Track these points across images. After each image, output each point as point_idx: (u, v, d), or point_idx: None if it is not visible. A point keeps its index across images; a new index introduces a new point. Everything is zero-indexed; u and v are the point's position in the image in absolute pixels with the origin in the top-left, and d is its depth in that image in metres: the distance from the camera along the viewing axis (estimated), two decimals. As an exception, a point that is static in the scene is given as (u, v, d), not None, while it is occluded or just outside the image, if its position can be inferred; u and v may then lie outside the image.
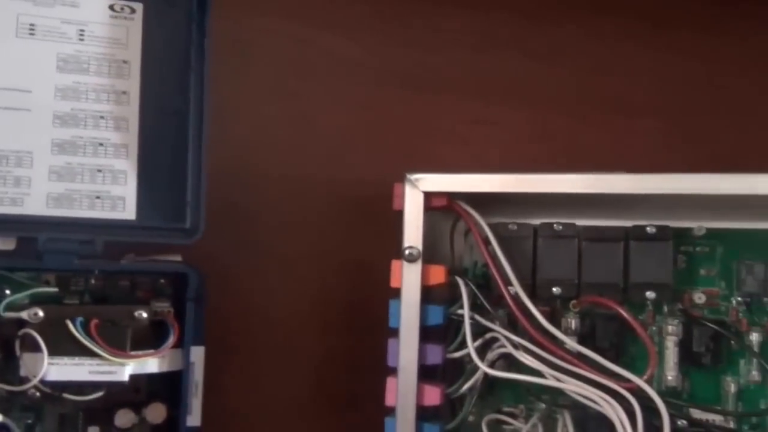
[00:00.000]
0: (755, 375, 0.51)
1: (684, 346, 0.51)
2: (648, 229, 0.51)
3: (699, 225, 0.52)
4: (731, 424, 0.51)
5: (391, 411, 0.50)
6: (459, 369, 0.53)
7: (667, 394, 0.51)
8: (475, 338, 0.51)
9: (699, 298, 0.52)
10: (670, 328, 0.52)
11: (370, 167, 0.62)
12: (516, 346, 0.51)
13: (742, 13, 0.67)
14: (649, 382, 0.48)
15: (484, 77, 0.65)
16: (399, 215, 0.51)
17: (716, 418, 0.51)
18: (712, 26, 0.67)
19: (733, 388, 0.51)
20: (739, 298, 0.52)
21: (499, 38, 0.66)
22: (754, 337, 0.51)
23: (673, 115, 0.65)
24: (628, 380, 0.48)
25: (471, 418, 0.54)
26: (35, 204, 0.53)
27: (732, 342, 0.51)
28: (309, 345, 0.62)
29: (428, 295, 0.51)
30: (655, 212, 0.52)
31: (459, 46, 0.66)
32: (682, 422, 0.50)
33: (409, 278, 0.51)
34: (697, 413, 0.51)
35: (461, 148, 0.64)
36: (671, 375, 0.51)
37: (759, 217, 0.51)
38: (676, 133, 0.65)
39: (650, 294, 0.51)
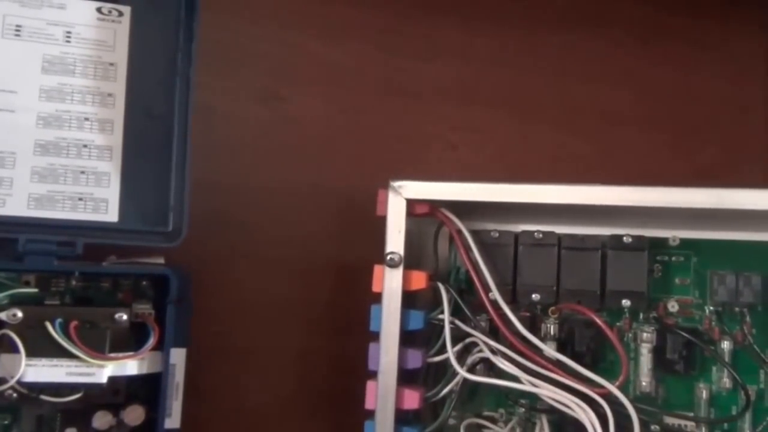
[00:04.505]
0: (726, 382, 0.52)
1: (658, 353, 0.53)
2: (625, 238, 0.52)
3: (674, 235, 0.54)
4: (703, 430, 0.52)
5: (370, 414, 0.51)
6: (443, 373, 0.54)
7: (641, 399, 0.52)
8: (456, 343, 0.52)
9: (673, 306, 0.53)
10: (644, 335, 0.53)
11: (357, 172, 0.63)
12: (494, 351, 0.52)
13: (727, 27, 0.69)
14: (621, 388, 0.49)
15: (471, 85, 0.67)
16: (383, 221, 0.52)
17: (688, 424, 0.52)
18: (698, 39, 0.69)
19: (705, 394, 0.52)
20: (712, 308, 0.53)
21: (487, 47, 0.67)
22: (726, 345, 0.52)
23: (657, 124, 0.67)
24: (602, 386, 0.49)
25: (451, 422, 0.54)
26: (16, 205, 0.53)
27: (704, 350, 0.52)
28: (293, 347, 0.62)
29: (409, 300, 0.52)
30: (632, 222, 0.53)
31: (447, 55, 0.67)
32: (655, 427, 0.51)
33: (390, 283, 0.51)
34: (670, 419, 0.52)
35: (448, 155, 0.65)
36: (645, 381, 0.52)
37: (731, 228, 0.53)
38: (660, 142, 0.67)
39: (626, 302, 0.52)
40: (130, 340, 0.52)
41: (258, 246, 0.63)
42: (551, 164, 0.65)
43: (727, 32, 0.69)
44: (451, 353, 0.51)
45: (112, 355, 0.51)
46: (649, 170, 0.65)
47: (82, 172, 0.54)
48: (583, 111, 0.67)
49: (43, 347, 0.50)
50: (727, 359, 0.52)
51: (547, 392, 0.50)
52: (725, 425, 0.52)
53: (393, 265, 0.51)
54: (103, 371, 0.50)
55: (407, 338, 0.51)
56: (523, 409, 0.54)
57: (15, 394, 0.50)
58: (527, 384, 0.50)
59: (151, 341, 0.52)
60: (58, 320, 0.50)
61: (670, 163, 0.66)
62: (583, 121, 0.67)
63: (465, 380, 0.52)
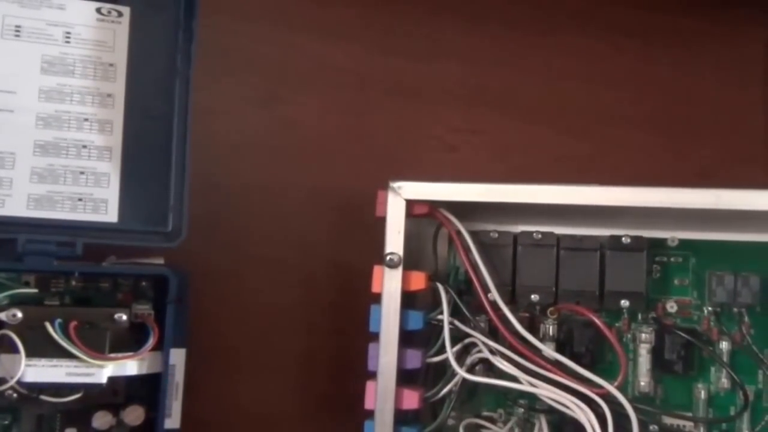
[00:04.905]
0: (725, 382, 0.52)
1: (657, 354, 0.53)
2: (623, 239, 0.52)
3: (672, 236, 0.54)
4: (701, 430, 0.52)
5: (370, 414, 0.51)
6: (442, 373, 0.54)
7: (639, 400, 0.52)
8: (455, 343, 0.52)
9: (671, 307, 0.53)
10: (643, 335, 0.53)
11: (357, 173, 0.63)
12: (493, 351, 0.52)
13: (727, 28, 0.69)
14: (620, 388, 0.49)
15: (471, 86, 0.67)
16: (382, 221, 0.52)
17: (687, 424, 0.52)
18: (698, 40, 0.69)
19: (703, 394, 0.53)
20: (710, 308, 0.53)
21: (487, 48, 0.67)
22: (724, 345, 0.53)
23: (657, 125, 0.67)
24: (601, 386, 0.49)
25: (450, 422, 0.54)
26: (16, 205, 0.53)
27: (703, 350, 0.53)
28: (292, 348, 0.63)
29: (409, 300, 0.52)
30: (631, 222, 0.53)
31: (447, 56, 0.67)
32: (653, 427, 0.52)
33: (389, 284, 0.51)
34: (668, 419, 0.52)
35: (447, 156, 0.65)
36: (644, 381, 0.53)
37: (730, 228, 0.53)
38: (659, 143, 0.67)
39: (624, 302, 0.52)
40: (129, 341, 0.52)
41: (257, 247, 0.63)
42: (551, 165, 0.65)
43: (726, 33, 0.69)
44: (450, 353, 0.52)
45: (112, 355, 0.51)
46: (648, 171, 0.65)
47: (82, 173, 0.54)
48: (583, 112, 0.67)
49: (43, 347, 0.50)
50: (725, 359, 0.52)
51: (546, 392, 0.50)
52: (723, 425, 0.53)
53: (392, 265, 0.51)
54: (103, 371, 0.50)
55: (406, 338, 0.51)
56: (522, 410, 0.54)
57: (15, 394, 0.50)
58: (526, 384, 0.50)
59: (151, 341, 0.52)
60: (58, 320, 0.50)
61: (669, 163, 0.66)
62: (583, 122, 0.67)
63: (464, 380, 0.52)
